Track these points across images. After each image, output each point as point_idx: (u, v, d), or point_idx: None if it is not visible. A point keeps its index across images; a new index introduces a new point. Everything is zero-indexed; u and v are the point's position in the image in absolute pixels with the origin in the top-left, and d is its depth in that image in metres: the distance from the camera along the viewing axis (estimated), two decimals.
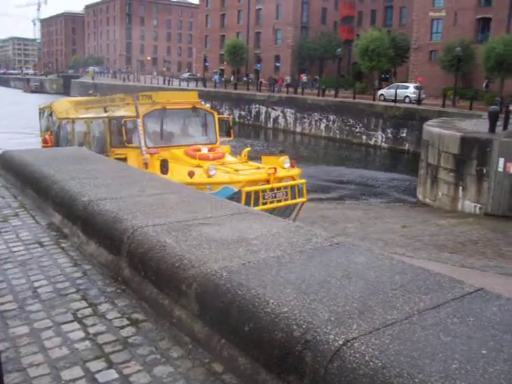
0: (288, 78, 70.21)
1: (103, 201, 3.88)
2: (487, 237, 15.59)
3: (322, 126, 45.49)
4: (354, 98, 46.24)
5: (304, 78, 65.40)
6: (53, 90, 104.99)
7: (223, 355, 2.33)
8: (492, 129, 20.20)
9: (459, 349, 1.80)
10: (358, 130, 42.41)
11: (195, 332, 2.53)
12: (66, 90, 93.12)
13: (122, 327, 2.69)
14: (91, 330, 2.65)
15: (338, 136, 43.74)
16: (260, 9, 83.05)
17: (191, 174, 10.89)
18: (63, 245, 3.96)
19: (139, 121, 12.16)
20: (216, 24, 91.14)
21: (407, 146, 37.77)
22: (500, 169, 17.95)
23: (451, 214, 18.48)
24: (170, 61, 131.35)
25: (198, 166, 11.41)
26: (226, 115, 15.25)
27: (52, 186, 4.62)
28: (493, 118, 20.57)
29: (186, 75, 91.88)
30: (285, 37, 79.38)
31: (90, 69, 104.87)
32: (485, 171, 18.39)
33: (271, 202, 11.07)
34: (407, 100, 43.67)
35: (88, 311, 2.86)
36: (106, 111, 13.95)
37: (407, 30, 64.54)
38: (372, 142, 40.80)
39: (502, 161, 17.92)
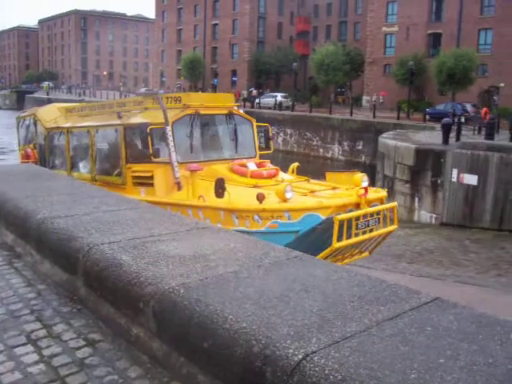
0: (245, 93, 70.62)
1: (58, 218, 3.79)
2: (443, 246, 15.93)
3: (280, 140, 45.83)
4: (311, 111, 46.82)
5: (254, 92, 66.15)
6: (6, 106, 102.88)
7: (182, 373, 2.29)
8: (445, 140, 20.73)
9: (417, 359, 1.81)
10: (315, 143, 42.92)
11: (153, 350, 2.48)
12: (19, 106, 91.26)
13: (78, 348, 2.62)
14: (46, 353, 2.56)
15: (295, 149, 44.15)
16: (216, 24, 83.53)
17: (261, 198, 8.50)
18: (16, 265, 3.84)
19: (169, 129, 9.85)
20: (172, 39, 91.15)
21: (363, 158, 38.39)
22: (454, 179, 18.41)
23: (408, 224, 18.82)
24: (127, 76, 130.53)
25: (256, 186, 9.29)
26: (263, 123, 12.63)
27: (4, 205, 4.49)
28: (446, 130, 21.13)
29: (142, 90, 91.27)
30: (241, 51, 79.98)
31: (45, 84, 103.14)
32: (439, 182, 18.83)
33: (363, 233, 8.79)
34: (276, 106, 51.42)
35: (42, 333, 2.77)
36: (119, 117, 11.13)
37: (361, 45, 65.86)
38: (329, 155, 41.31)
39: (455, 171, 18.38)
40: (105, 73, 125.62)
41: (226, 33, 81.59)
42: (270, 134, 12.65)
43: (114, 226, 3.63)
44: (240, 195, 8.91)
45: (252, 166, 10.30)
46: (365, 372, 1.71)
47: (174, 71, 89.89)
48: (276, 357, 1.87)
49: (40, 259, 3.71)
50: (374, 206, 9.13)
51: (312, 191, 9.33)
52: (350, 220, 8.39)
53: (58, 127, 13.42)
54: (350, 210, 8.64)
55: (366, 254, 9.93)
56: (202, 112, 10.78)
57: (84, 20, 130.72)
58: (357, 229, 8.56)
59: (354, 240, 8.56)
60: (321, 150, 42.00)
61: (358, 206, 8.82)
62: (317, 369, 1.76)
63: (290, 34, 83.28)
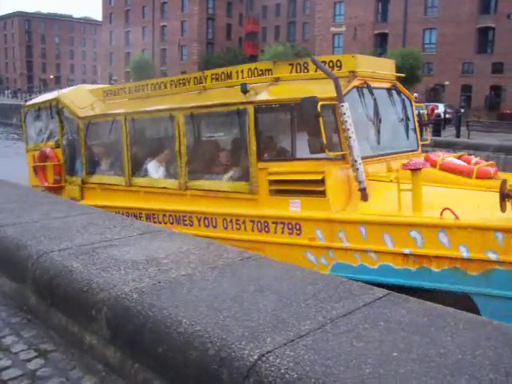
0: None
1: (4, 227, 3.69)
2: None
3: None
4: None
5: None
6: None
7: (138, 380, 2.26)
8: None
9: (372, 353, 1.83)
10: None
11: (108, 358, 2.44)
12: None
13: (29, 360, 2.54)
14: None
15: None
16: (165, 25, 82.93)
17: None
18: None
19: (346, 107, 6.56)
20: (120, 41, 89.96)
21: None
22: None
23: None
24: (74, 79, 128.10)
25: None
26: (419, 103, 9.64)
27: None
28: None
29: None
30: (190, 53, 79.67)
31: None
32: None
33: None
34: None
35: None
36: (245, 91, 7.34)
37: (310, 45, 66.57)
38: None
39: None
40: (51, 76, 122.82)
41: (175, 34, 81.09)
42: (426, 118, 9.25)
43: (63, 232, 3.56)
44: None
45: (454, 160, 7.36)
46: (320, 369, 1.72)
47: (122, 73, 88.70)
48: (231, 358, 1.87)
49: None
50: None
51: None
52: None
53: (105, 115, 9.51)
54: None
55: None
56: (372, 84, 7.46)
57: (28, 22, 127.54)
58: None
59: None
60: None
61: None
62: (273, 368, 1.76)
63: (239, 35, 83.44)
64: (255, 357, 1.83)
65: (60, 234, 3.52)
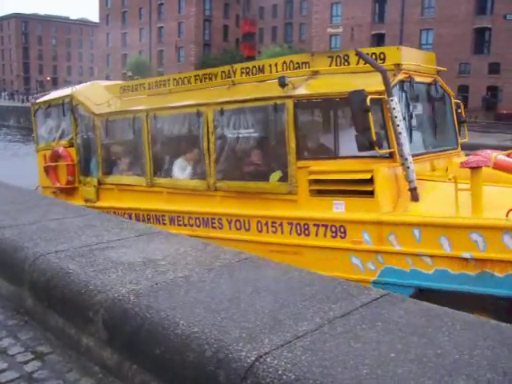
0: None
1: (2, 229, 3.68)
2: None
3: None
4: None
5: None
6: None
7: (135, 381, 2.25)
8: None
9: (369, 354, 1.83)
10: None
11: (105, 360, 2.43)
12: None
13: (26, 362, 2.54)
14: None
15: None
16: (162, 27, 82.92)
17: None
18: None
19: (395, 101, 6.21)
20: (117, 42, 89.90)
21: None
22: None
23: None
24: (71, 80, 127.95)
25: None
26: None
27: None
28: None
29: None
30: (187, 54, 79.66)
31: None
32: None
33: None
34: None
35: None
36: (283, 85, 6.79)
37: (307, 46, 66.58)
38: None
39: None
40: (48, 78, 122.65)
41: (172, 36, 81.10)
42: (464, 114, 8.79)
43: (60, 234, 3.55)
44: None
45: (507, 158, 6.92)
46: (318, 370, 1.72)
47: (119, 75, 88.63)
48: (229, 360, 1.86)
49: None
50: None
51: None
52: None
53: (124, 111, 8.93)
54: None
55: None
56: (416, 79, 7.03)
57: (25, 24, 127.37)
58: None
59: None
60: None
61: None
62: (270, 370, 1.76)
63: (236, 36, 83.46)
64: (253, 358, 1.83)
65: (57, 235, 3.51)
